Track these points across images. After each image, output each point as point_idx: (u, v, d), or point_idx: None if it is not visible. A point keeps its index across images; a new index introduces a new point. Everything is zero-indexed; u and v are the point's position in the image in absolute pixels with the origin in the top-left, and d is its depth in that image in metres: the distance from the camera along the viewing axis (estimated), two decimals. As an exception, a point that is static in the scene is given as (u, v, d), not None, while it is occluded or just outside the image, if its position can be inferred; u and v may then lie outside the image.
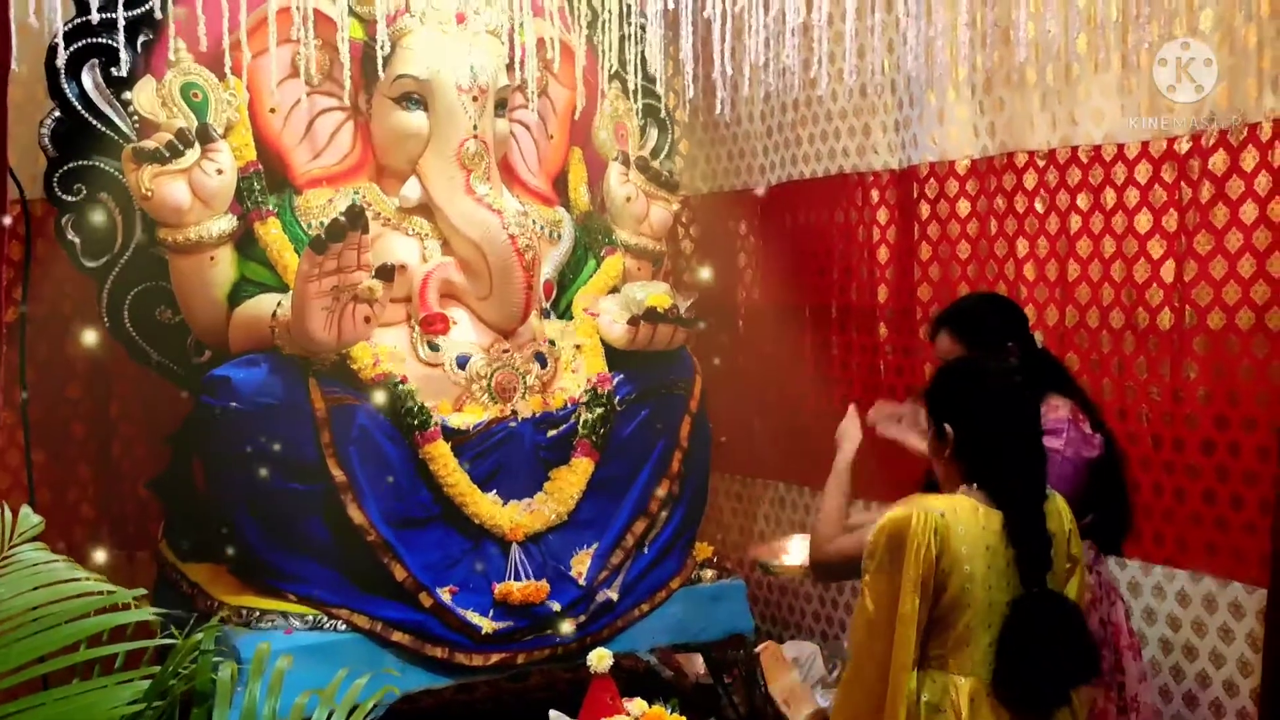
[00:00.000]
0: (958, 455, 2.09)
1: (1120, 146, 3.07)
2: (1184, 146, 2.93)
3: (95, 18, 2.77)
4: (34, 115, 3.01)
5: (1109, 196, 3.11)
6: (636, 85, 3.31)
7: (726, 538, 4.40)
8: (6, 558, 1.58)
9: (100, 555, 3.29)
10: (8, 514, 1.66)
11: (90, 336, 3.44)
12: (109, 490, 3.58)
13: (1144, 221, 3.03)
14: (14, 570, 1.55)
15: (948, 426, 2.09)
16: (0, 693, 1.48)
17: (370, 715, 1.72)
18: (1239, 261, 2.83)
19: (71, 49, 2.92)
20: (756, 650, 3.41)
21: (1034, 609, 2.01)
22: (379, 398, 2.94)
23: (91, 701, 1.43)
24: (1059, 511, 2.13)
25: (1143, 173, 3.03)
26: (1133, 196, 3.05)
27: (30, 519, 1.67)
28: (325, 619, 2.87)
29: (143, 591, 1.66)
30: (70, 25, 2.89)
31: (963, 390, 2.12)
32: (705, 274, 4.31)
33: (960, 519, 2.00)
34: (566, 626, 3.02)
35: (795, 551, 2.79)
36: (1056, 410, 2.49)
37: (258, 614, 2.85)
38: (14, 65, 2.65)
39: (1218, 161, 2.86)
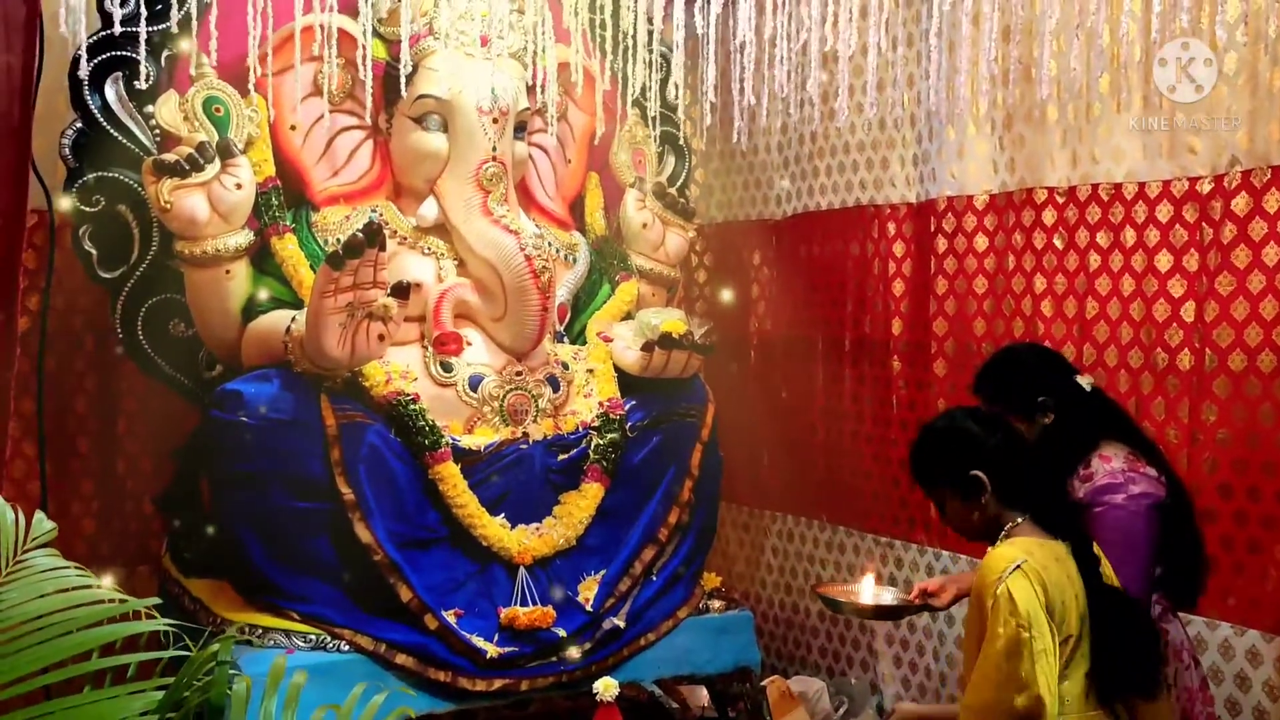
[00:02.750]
0: (1001, 494, 2.11)
1: (1141, 185, 3.06)
2: (1206, 187, 2.92)
3: (118, 30, 2.78)
4: (53, 126, 3.01)
5: (1129, 235, 3.09)
6: (655, 113, 3.32)
7: (733, 569, 4.36)
8: (19, 562, 1.56)
9: (109, 581, 3.25)
10: (21, 519, 1.64)
11: (100, 350, 3.44)
12: (113, 506, 3.55)
13: (1164, 261, 3.02)
14: (26, 576, 1.53)
15: (979, 474, 2.11)
16: (11, 699, 1.45)
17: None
18: (1261, 303, 2.81)
19: (95, 61, 2.93)
20: (763, 684, 3.36)
21: (1108, 599, 2.06)
22: (390, 416, 2.92)
23: (103, 711, 1.40)
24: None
25: (1164, 212, 3.02)
26: (1153, 236, 3.04)
27: (43, 525, 1.65)
28: (328, 639, 2.83)
29: (156, 601, 1.64)
30: (95, 38, 2.90)
31: (973, 441, 2.14)
32: (719, 302, 4.30)
33: (1037, 556, 2.03)
34: (573, 653, 2.97)
35: (866, 591, 2.72)
36: (1109, 461, 2.34)
37: (260, 631, 2.81)
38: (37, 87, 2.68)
39: (1240, 203, 2.85)
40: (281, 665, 1.68)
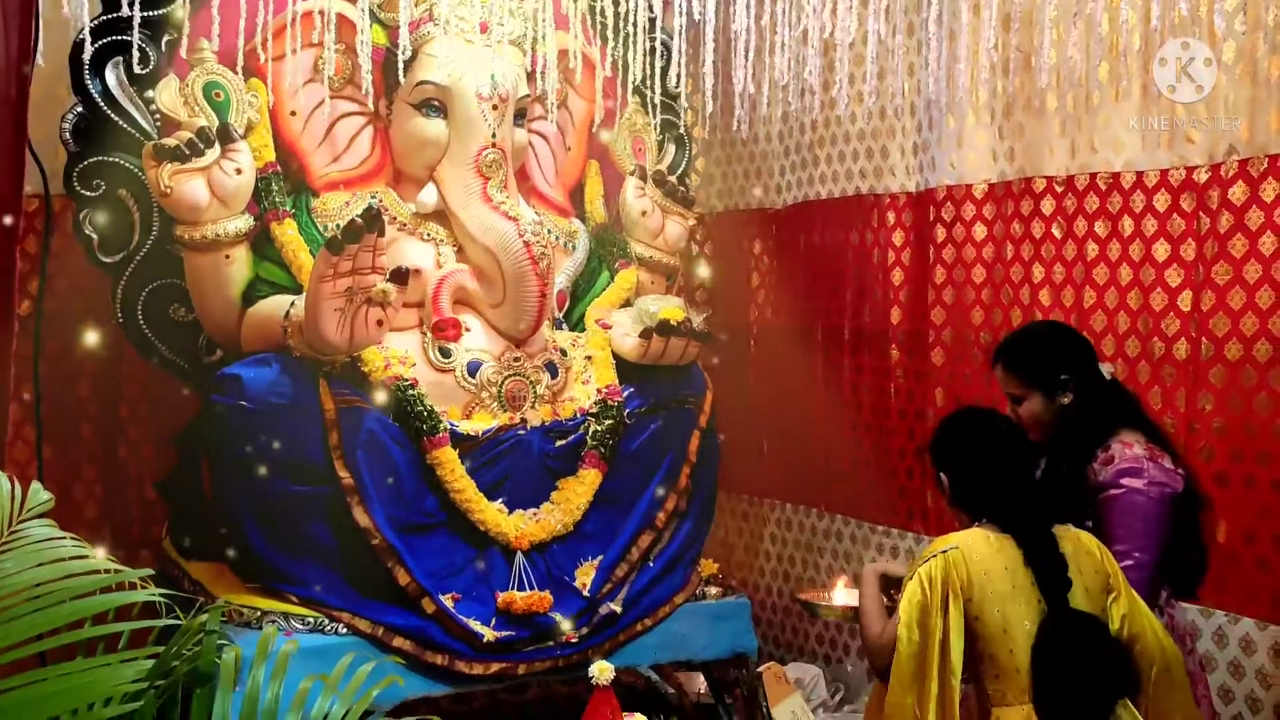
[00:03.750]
0: (955, 497, 2.28)
1: (1139, 175, 3.06)
2: (1203, 176, 2.92)
3: (123, 13, 2.78)
4: (53, 111, 3.02)
5: (1127, 224, 3.10)
6: (656, 100, 3.32)
7: (732, 557, 4.37)
8: (14, 532, 1.57)
9: (102, 554, 3.27)
10: (17, 489, 1.66)
11: (102, 335, 3.45)
12: (113, 490, 3.57)
13: (1161, 250, 3.02)
14: (21, 545, 1.54)
15: (943, 475, 2.30)
16: (3, 666, 1.47)
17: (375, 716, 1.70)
18: (1257, 293, 2.81)
19: (96, 45, 2.94)
20: (759, 670, 3.38)
21: (1057, 627, 2.06)
22: (388, 401, 2.93)
23: (95, 678, 1.42)
24: (1076, 537, 2.18)
25: (1161, 201, 3.02)
26: (1151, 225, 3.04)
27: (39, 495, 1.67)
28: (326, 622, 2.85)
29: (149, 571, 1.66)
30: (95, 22, 2.91)
31: (947, 439, 2.33)
32: (718, 290, 4.30)
33: (973, 546, 2.14)
34: (567, 631, 2.99)
35: (841, 594, 2.78)
36: (1131, 447, 2.35)
37: (259, 614, 2.83)
38: (38, 60, 2.69)
39: (1237, 192, 2.85)
40: (271, 634, 1.70)
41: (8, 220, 2.36)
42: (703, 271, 4.55)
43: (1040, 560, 2.10)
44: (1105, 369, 2.51)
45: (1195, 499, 2.42)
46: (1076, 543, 2.17)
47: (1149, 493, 2.30)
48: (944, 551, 2.13)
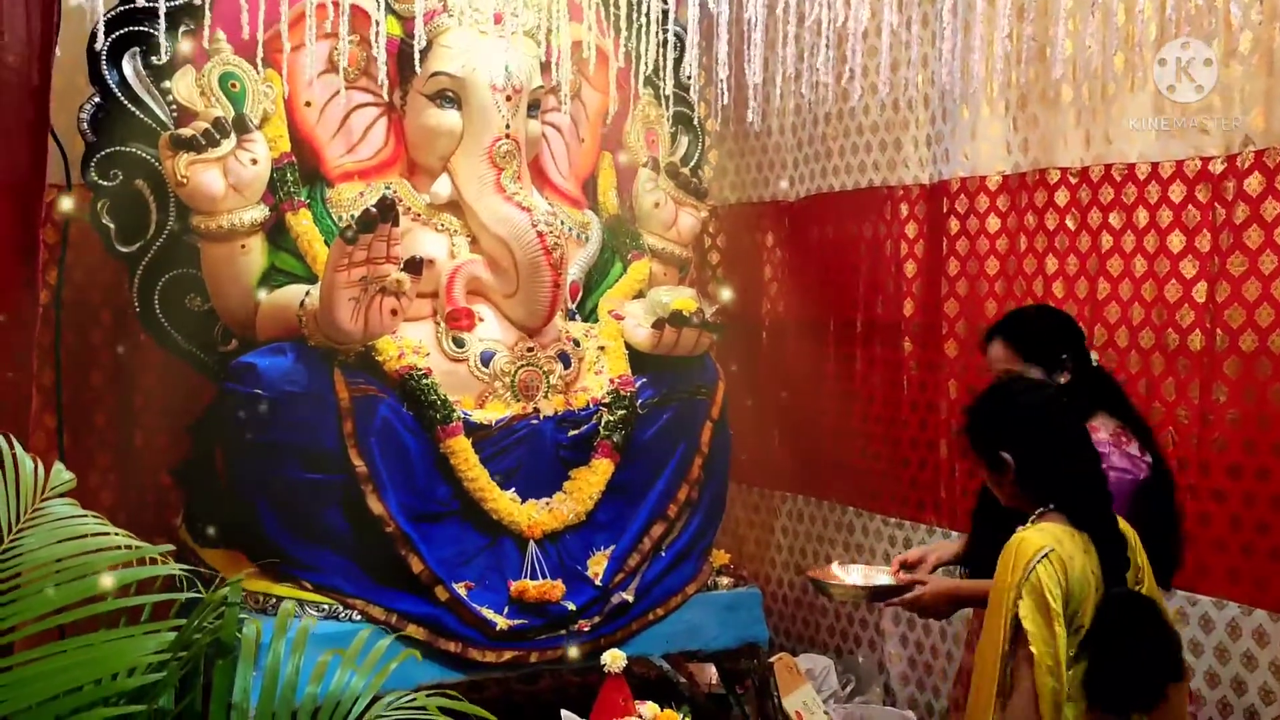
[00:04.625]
0: (1021, 481, 2.09)
1: (1154, 165, 3.05)
2: (1219, 167, 2.91)
3: (141, 3, 2.81)
4: (72, 101, 3.04)
5: (1141, 216, 3.09)
6: (669, 92, 3.33)
7: (743, 549, 4.38)
8: (38, 510, 1.60)
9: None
10: (40, 469, 1.68)
11: (119, 324, 3.48)
12: (130, 477, 3.59)
13: (1176, 241, 3.01)
14: (43, 523, 1.57)
15: (1005, 455, 2.08)
16: (27, 640, 1.49)
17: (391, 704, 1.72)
18: (1273, 284, 2.80)
19: (113, 36, 2.96)
20: (770, 661, 3.38)
21: (1120, 606, 2.00)
22: (402, 390, 2.95)
23: (118, 649, 1.45)
24: (1116, 519, 2.14)
25: (1177, 193, 3.01)
26: (1166, 216, 3.03)
27: (61, 475, 1.70)
28: (340, 608, 2.87)
29: (169, 548, 1.68)
30: (112, 12, 2.93)
31: (1011, 413, 2.12)
32: (731, 282, 4.30)
33: (1064, 543, 2.00)
34: (571, 609, 3.00)
35: (854, 574, 2.72)
36: (1097, 432, 2.35)
37: (274, 600, 2.85)
38: (56, 50, 2.72)
39: (1253, 183, 2.84)
40: (290, 609, 1.72)
41: (31, 202, 2.39)
42: (715, 263, 4.56)
43: (1109, 544, 2.03)
44: (1093, 355, 2.55)
45: (1165, 486, 2.42)
46: (1122, 527, 2.12)
47: (1108, 477, 2.29)
48: (1045, 555, 1.97)
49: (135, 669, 1.46)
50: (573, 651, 3.01)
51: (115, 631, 1.49)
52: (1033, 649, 1.93)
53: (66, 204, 3.08)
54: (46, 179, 2.56)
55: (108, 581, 1.50)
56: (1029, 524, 2.08)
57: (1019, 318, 2.62)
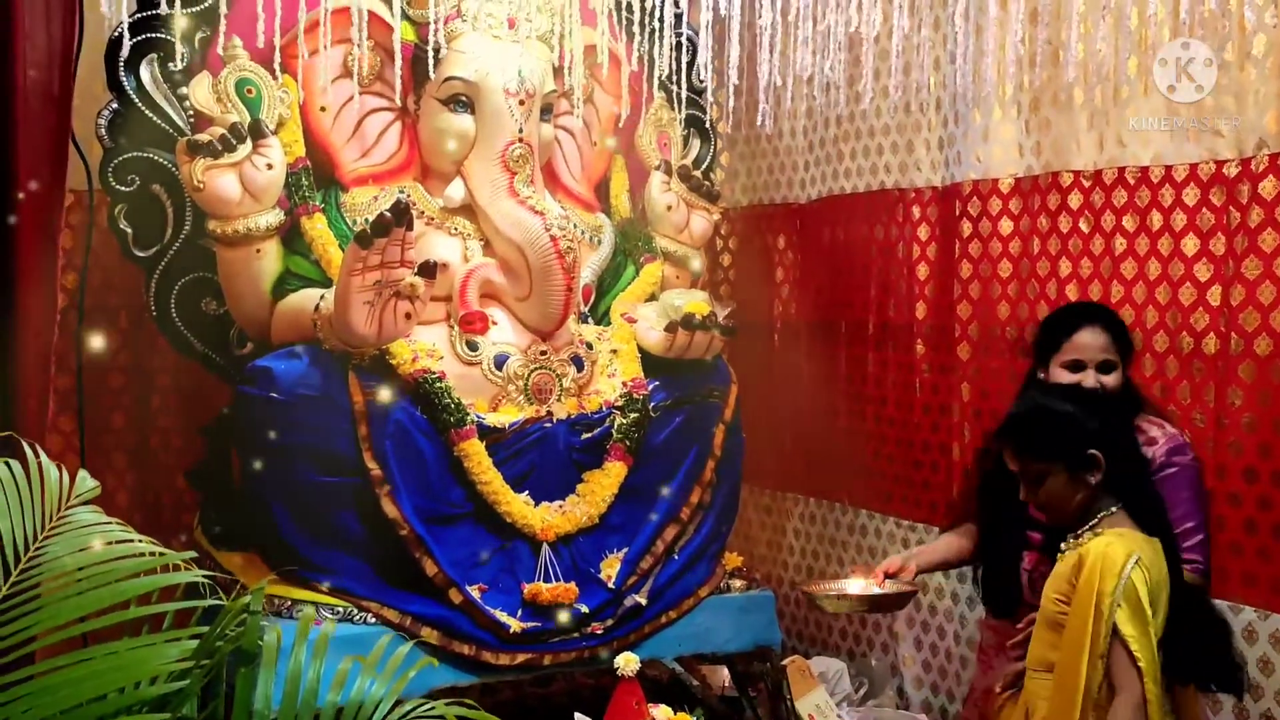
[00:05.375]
0: (1109, 482, 2.14)
1: (1168, 169, 3.04)
2: (1233, 170, 2.90)
3: (161, 10, 2.82)
4: (89, 108, 3.06)
5: (1155, 219, 3.08)
6: (681, 95, 3.33)
7: (756, 551, 4.38)
8: (63, 518, 1.62)
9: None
10: (65, 477, 1.70)
11: (135, 328, 3.50)
12: (146, 480, 3.62)
13: (1190, 245, 3.00)
14: (68, 530, 1.59)
15: (1096, 453, 2.13)
16: (52, 646, 1.51)
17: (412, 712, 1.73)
18: (1288, 287, 2.79)
19: (132, 43, 2.98)
20: (783, 663, 3.38)
21: (1191, 592, 2.10)
22: (416, 394, 2.97)
23: (141, 657, 1.46)
24: None
25: (1191, 196, 3.00)
26: (1180, 219, 3.03)
27: (86, 482, 1.71)
28: (355, 611, 2.89)
29: (193, 554, 1.70)
30: (131, 19, 2.95)
31: (1098, 413, 2.19)
32: (743, 285, 4.31)
33: (1148, 554, 2.08)
34: (593, 624, 3.01)
35: (852, 587, 2.76)
36: (1162, 427, 2.47)
37: (289, 603, 2.87)
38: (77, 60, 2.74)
39: (1268, 186, 2.83)
40: (311, 614, 1.73)
41: (52, 207, 2.41)
42: (728, 266, 4.56)
43: (1171, 540, 2.10)
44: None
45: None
46: None
47: (1196, 467, 2.43)
48: (1136, 561, 2.02)
49: (158, 677, 1.47)
50: (602, 653, 3.01)
51: (138, 639, 1.50)
52: (1138, 654, 1.99)
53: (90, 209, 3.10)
54: (67, 182, 2.59)
55: (130, 589, 1.52)
56: (1091, 529, 2.13)
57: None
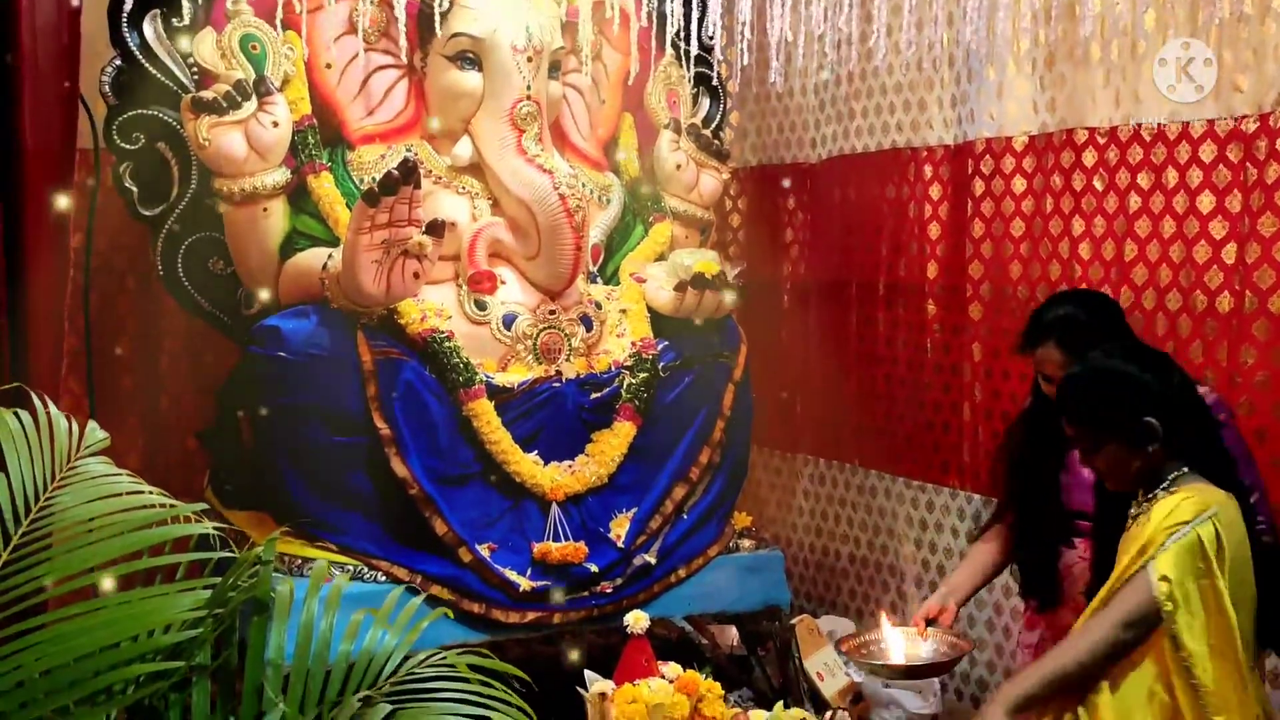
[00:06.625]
0: (1169, 446, 2.04)
1: (1185, 125, 3.00)
2: (1251, 126, 2.86)
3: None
4: (93, 65, 3.03)
5: (1171, 176, 3.04)
6: (691, 53, 3.29)
7: (765, 512, 4.39)
8: (72, 469, 1.62)
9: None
10: (75, 427, 1.70)
11: (143, 288, 3.49)
12: (156, 441, 3.62)
13: (1206, 202, 2.97)
14: (78, 481, 1.59)
15: (1152, 420, 2.03)
16: (62, 598, 1.52)
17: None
18: (1304, 244, 2.76)
19: (134, -2, 2.95)
20: (792, 623, 3.40)
21: (1270, 554, 2.03)
22: (425, 353, 2.96)
23: (155, 607, 1.47)
24: None
25: (1207, 152, 2.96)
26: (1196, 176, 2.98)
27: (96, 434, 1.71)
28: (365, 569, 2.90)
29: (203, 506, 1.70)
30: (134, -27, 2.92)
31: (1152, 380, 2.07)
32: (753, 245, 4.28)
33: (1227, 516, 1.99)
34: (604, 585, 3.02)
35: (893, 644, 2.50)
36: (1199, 386, 2.36)
37: (300, 561, 2.88)
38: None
39: (1286, 142, 2.79)
40: (324, 568, 1.74)
41: (62, 162, 2.39)
42: (737, 226, 4.53)
43: (1245, 497, 2.03)
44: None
45: None
46: None
47: (1236, 426, 2.41)
48: (1209, 517, 1.94)
49: (171, 626, 1.48)
50: (595, 612, 3.02)
51: (151, 589, 1.51)
52: (1163, 603, 1.91)
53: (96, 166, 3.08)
54: (76, 138, 2.56)
55: (141, 539, 1.52)
56: (1165, 489, 2.03)
57: (1064, 319, 2.48)
